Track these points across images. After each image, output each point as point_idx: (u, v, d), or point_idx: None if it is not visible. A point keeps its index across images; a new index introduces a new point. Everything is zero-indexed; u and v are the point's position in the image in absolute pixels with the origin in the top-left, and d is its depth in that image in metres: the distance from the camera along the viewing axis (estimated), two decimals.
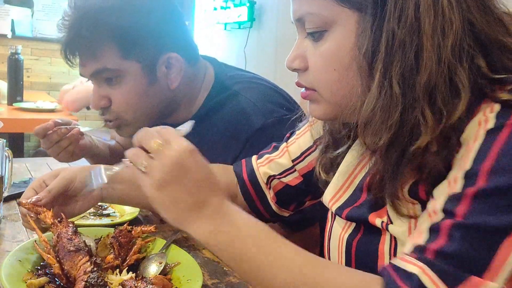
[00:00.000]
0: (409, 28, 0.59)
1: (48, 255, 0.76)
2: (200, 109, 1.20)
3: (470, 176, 0.55)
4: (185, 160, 0.64)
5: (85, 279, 0.70)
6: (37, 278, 0.74)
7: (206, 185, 0.66)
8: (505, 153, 0.54)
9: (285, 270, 0.61)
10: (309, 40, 0.68)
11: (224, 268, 0.89)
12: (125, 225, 0.89)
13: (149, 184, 0.64)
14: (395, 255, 0.66)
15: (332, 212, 0.79)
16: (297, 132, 0.98)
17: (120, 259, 0.83)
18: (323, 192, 0.82)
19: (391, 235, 0.66)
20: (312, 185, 0.91)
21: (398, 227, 0.65)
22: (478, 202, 0.54)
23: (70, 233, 0.79)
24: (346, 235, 0.74)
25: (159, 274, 0.80)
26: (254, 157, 1.03)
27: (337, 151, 0.81)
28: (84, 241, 0.80)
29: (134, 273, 0.80)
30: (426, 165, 0.59)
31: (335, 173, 0.81)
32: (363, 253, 0.71)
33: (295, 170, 0.97)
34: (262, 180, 1.00)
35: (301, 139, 0.97)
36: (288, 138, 1.00)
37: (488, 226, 0.53)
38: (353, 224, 0.73)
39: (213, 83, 1.21)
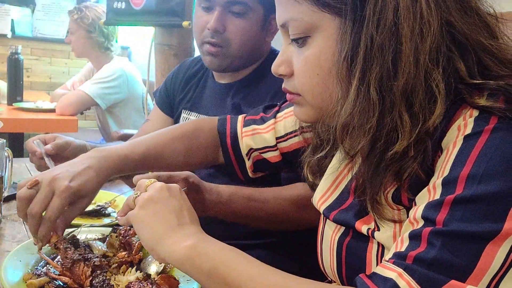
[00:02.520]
0: (387, 33, 0.58)
1: (62, 277, 0.77)
2: (256, 69, 1.37)
3: (448, 183, 0.55)
4: (170, 188, 0.70)
5: (88, 284, 0.72)
6: (37, 278, 0.75)
7: (188, 212, 0.69)
8: (482, 159, 0.53)
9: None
10: (294, 46, 0.69)
11: None
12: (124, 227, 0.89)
13: (135, 208, 0.69)
14: (382, 259, 0.66)
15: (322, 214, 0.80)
16: (285, 110, 0.99)
17: (131, 255, 0.85)
18: (299, 165, 0.86)
19: (378, 242, 0.66)
20: (289, 163, 0.97)
21: (383, 234, 0.65)
22: (457, 209, 0.53)
23: (64, 249, 0.79)
24: (337, 237, 0.74)
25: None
26: (240, 120, 1.05)
27: (324, 153, 0.81)
28: (84, 247, 0.80)
29: (142, 272, 0.80)
30: (404, 170, 0.59)
31: (322, 175, 0.82)
32: (353, 257, 0.71)
33: (277, 149, 0.99)
34: (243, 150, 1.03)
35: (288, 119, 0.98)
36: (277, 112, 1.01)
37: (468, 233, 0.52)
38: (343, 227, 0.73)
39: (269, 53, 1.40)
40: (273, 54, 1.38)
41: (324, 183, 0.80)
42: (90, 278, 0.74)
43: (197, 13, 1.35)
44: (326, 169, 0.81)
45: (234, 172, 1.07)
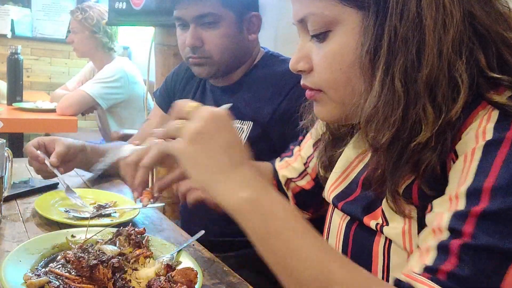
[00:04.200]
0: (411, 24, 0.59)
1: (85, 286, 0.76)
2: (250, 70, 1.40)
3: (473, 193, 0.54)
4: (221, 119, 0.64)
5: (112, 286, 0.73)
6: (37, 278, 0.74)
7: (239, 148, 0.64)
8: (506, 169, 0.53)
9: (316, 265, 0.56)
10: (313, 41, 0.68)
11: (224, 268, 0.89)
12: (130, 225, 0.91)
13: (182, 140, 0.63)
14: (388, 255, 0.66)
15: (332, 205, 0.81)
16: (307, 135, 1.00)
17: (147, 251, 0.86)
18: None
19: (385, 236, 0.67)
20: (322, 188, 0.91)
21: (393, 230, 0.65)
22: (484, 223, 0.53)
23: (78, 260, 0.77)
24: (344, 223, 0.75)
25: None
26: (277, 159, 1.06)
27: (336, 149, 0.82)
28: (97, 252, 0.80)
29: (161, 263, 0.82)
30: (423, 162, 0.59)
31: (332, 169, 0.82)
32: (359, 247, 0.71)
33: (307, 174, 0.98)
34: (282, 181, 1.03)
35: (307, 144, 0.99)
36: (301, 140, 1.02)
37: (496, 248, 0.52)
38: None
39: (263, 54, 1.43)
40: (267, 56, 1.40)
41: (335, 174, 0.81)
42: (113, 280, 0.75)
43: (177, 31, 1.38)
44: (336, 163, 0.82)
45: None
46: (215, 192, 0.62)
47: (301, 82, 0.72)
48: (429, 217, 0.60)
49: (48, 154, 1.30)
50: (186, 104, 0.66)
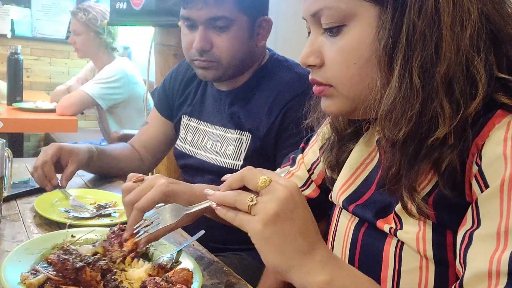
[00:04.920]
0: (429, 20, 0.59)
1: None
2: (254, 75, 1.35)
3: None
4: (296, 197, 0.61)
5: None
6: (34, 277, 0.74)
7: (314, 226, 0.62)
8: None
9: None
10: (325, 36, 0.68)
11: (224, 268, 0.89)
12: (118, 224, 0.90)
13: (256, 220, 0.60)
14: (400, 258, 0.66)
15: (339, 207, 0.79)
16: (310, 142, 0.98)
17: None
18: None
19: (398, 239, 0.66)
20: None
21: (407, 234, 0.65)
22: None
23: (61, 262, 0.76)
24: (353, 226, 0.74)
25: None
26: (277, 170, 1.02)
27: (343, 149, 0.81)
28: (78, 254, 0.79)
29: (150, 262, 0.81)
30: (443, 160, 0.59)
31: (339, 170, 0.81)
32: (368, 250, 0.70)
33: (312, 181, 0.95)
34: None
35: (312, 149, 0.96)
36: (304, 148, 0.99)
37: None
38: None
39: (268, 57, 1.38)
40: (273, 60, 1.36)
41: (343, 175, 0.80)
42: (102, 282, 0.74)
43: (182, 30, 1.32)
44: (344, 164, 0.81)
45: None
46: (292, 276, 0.60)
47: (310, 77, 0.71)
48: (472, 255, 0.56)
49: (59, 163, 1.30)
50: (258, 177, 0.62)
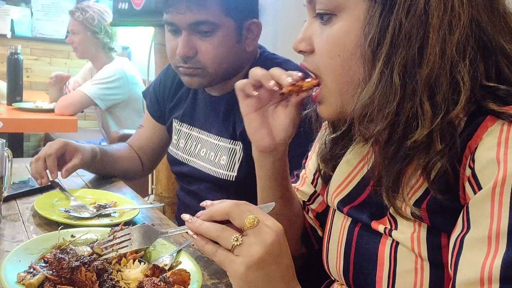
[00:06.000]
0: (417, 21, 0.59)
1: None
2: (245, 77, 1.29)
3: None
4: (282, 240, 0.61)
5: None
6: (32, 277, 0.74)
7: (293, 270, 0.63)
8: None
9: None
10: (317, 23, 0.68)
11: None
12: (120, 225, 0.90)
13: (239, 262, 0.59)
14: (395, 259, 0.66)
15: (334, 209, 0.79)
16: (309, 155, 0.97)
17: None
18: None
19: (393, 239, 0.66)
20: None
21: (402, 234, 0.65)
22: None
23: (58, 261, 0.76)
24: (347, 226, 0.74)
25: None
26: None
27: (337, 145, 0.81)
28: (75, 254, 0.78)
29: (146, 263, 0.81)
30: (432, 165, 0.59)
31: (334, 165, 0.81)
32: (363, 251, 0.70)
33: (318, 194, 0.94)
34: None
35: (311, 160, 0.95)
36: (305, 163, 0.98)
37: None
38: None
39: (258, 55, 1.32)
40: (262, 57, 1.31)
41: (338, 176, 0.80)
42: (98, 283, 0.74)
43: (166, 36, 1.27)
44: (337, 159, 0.81)
45: (307, 236, 0.97)
46: None
47: (301, 63, 0.72)
48: (463, 261, 0.56)
49: (63, 158, 1.30)
50: (245, 216, 0.61)
